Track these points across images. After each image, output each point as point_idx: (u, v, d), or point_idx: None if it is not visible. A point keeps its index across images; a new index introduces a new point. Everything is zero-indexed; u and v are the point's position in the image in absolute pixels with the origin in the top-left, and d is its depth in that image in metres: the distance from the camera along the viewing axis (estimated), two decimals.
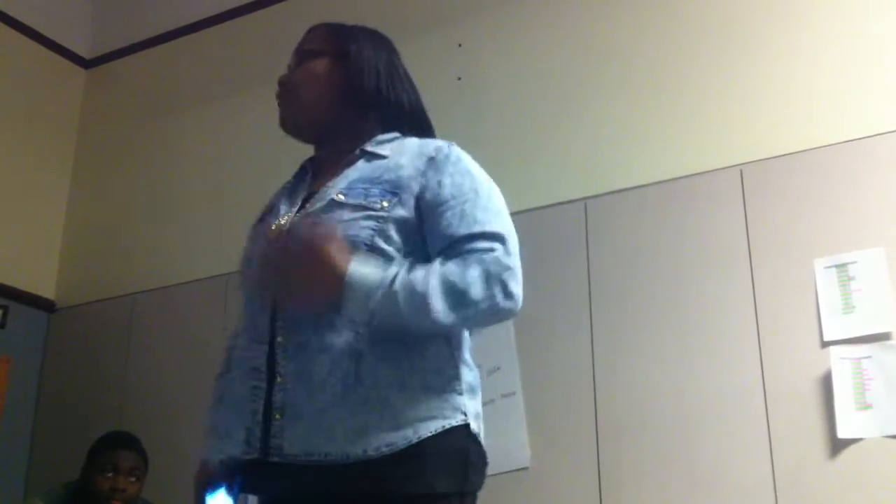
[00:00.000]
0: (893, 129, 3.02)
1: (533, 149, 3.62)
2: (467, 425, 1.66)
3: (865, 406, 2.79)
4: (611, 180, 3.41)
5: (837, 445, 2.81)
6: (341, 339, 1.62)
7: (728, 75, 3.35)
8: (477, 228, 1.68)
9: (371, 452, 1.56)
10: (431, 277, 1.60)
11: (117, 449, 3.33)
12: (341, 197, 1.73)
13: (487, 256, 1.64)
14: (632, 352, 3.18)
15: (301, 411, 1.60)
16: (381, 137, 1.85)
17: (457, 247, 1.66)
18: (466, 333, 1.77)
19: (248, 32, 4.56)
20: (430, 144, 1.81)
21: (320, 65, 1.92)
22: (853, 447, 2.79)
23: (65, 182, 4.81)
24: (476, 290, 1.60)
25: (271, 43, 4.47)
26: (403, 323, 1.59)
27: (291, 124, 1.93)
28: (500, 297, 1.62)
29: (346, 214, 1.70)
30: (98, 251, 4.60)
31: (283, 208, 1.86)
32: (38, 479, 4.15)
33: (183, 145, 4.56)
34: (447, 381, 1.67)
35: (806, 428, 2.86)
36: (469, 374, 1.72)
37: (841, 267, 2.94)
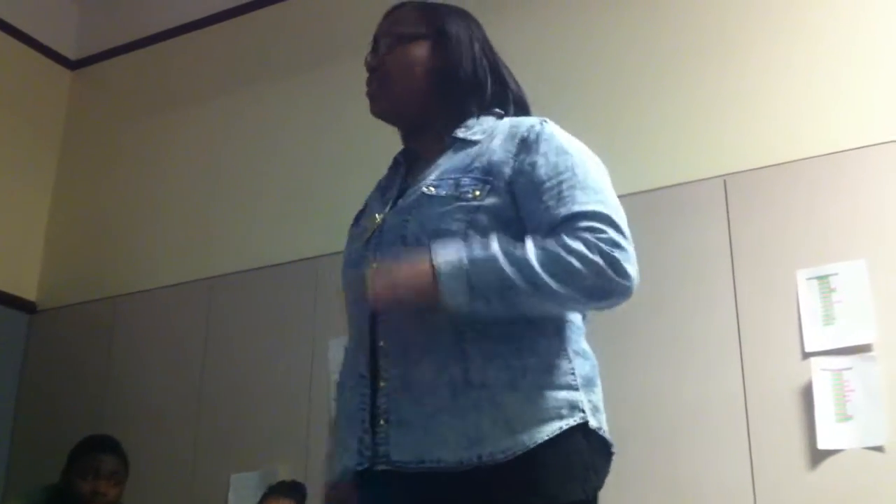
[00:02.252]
0: (877, 141, 3.04)
1: None
2: (586, 423, 1.56)
3: (846, 417, 2.81)
4: None
5: (817, 456, 2.82)
6: (446, 339, 1.55)
7: (713, 86, 3.37)
8: (577, 208, 1.56)
9: (486, 459, 1.48)
10: (529, 247, 1.52)
11: (98, 452, 3.31)
12: (431, 189, 1.64)
13: (592, 236, 1.52)
14: (614, 361, 3.16)
15: (408, 417, 1.53)
16: (472, 122, 1.74)
17: (559, 230, 1.55)
18: (579, 321, 1.67)
19: (235, 35, 4.55)
20: (523, 124, 1.69)
21: (417, 49, 1.78)
22: (833, 458, 2.80)
23: (48, 183, 4.79)
24: (579, 261, 1.50)
25: (258, 46, 4.48)
26: (509, 292, 1.49)
27: (389, 112, 1.79)
28: (609, 271, 1.51)
29: (437, 208, 1.61)
30: (81, 253, 4.59)
31: (375, 206, 1.77)
32: (17, 481, 4.13)
33: (168, 148, 4.55)
34: (561, 377, 1.57)
35: (786, 438, 2.87)
36: (585, 365, 1.63)
37: (823, 278, 2.96)
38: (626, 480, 3.10)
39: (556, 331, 1.61)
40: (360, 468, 1.56)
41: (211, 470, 3.77)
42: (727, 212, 3.16)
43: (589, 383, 1.62)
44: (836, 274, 2.95)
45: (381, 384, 1.58)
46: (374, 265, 1.61)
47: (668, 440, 3.02)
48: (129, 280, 4.36)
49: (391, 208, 1.71)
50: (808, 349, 2.91)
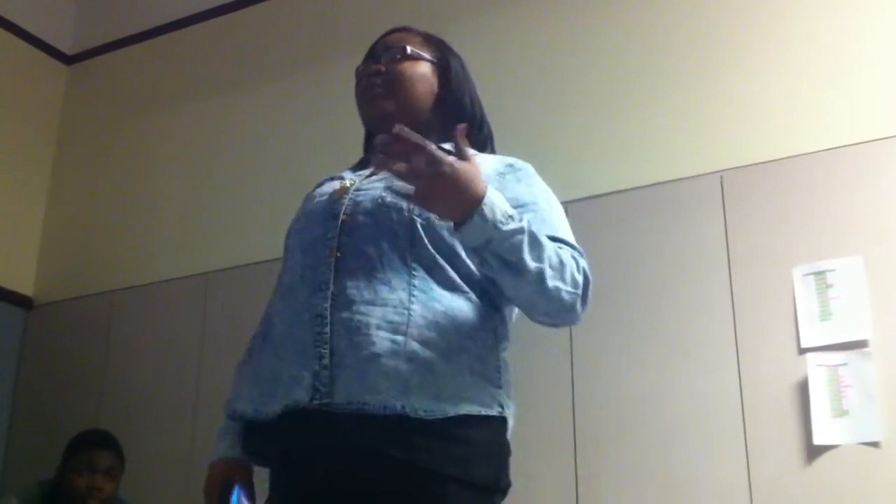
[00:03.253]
0: (874, 138, 3.04)
1: (515, 153, 3.61)
2: (505, 420, 1.64)
3: (841, 413, 2.81)
4: (590, 185, 3.41)
5: (813, 452, 2.82)
6: (395, 295, 1.61)
7: (709, 82, 3.37)
8: (560, 235, 1.69)
9: (409, 412, 1.53)
10: (546, 241, 1.60)
11: (94, 448, 3.31)
12: None
13: (578, 257, 1.65)
14: (610, 358, 3.18)
15: (347, 360, 1.58)
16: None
17: None
18: (508, 331, 1.74)
19: (232, 31, 4.55)
20: (509, 157, 1.84)
21: (425, 67, 1.89)
22: (829, 454, 2.80)
23: (45, 178, 4.78)
24: (573, 275, 1.62)
25: (254, 42, 4.47)
26: (516, 263, 1.54)
27: (394, 114, 1.81)
28: (579, 301, 1.64)
29: None
30: (77, 248, 4.58)
31: (346, 174, 1.85)
32: (13, 477, 4.13)
33: (165, 143, 4.55)
34: (489, 371, 1.64)
35: (782, 434, 2.87)
36: (507, 372, 1.70)
37: (819, 275, 2.96)
38: (623, 477, 3.11)
39: (493, 329, 1.68)
40: (315, 403, 1.58)
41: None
42: (723, 208, 3.16)
43: (509, 387, 1.69)
44: (832, 270, 2.95)
45: (334, 326, 1.61)
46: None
47: (663, 435, 3.02)
48: (125, 275, 4.35)
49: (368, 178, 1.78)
50: (804, 345, 2.91)
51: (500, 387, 1.65)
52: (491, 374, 1.64)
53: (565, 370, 3.19)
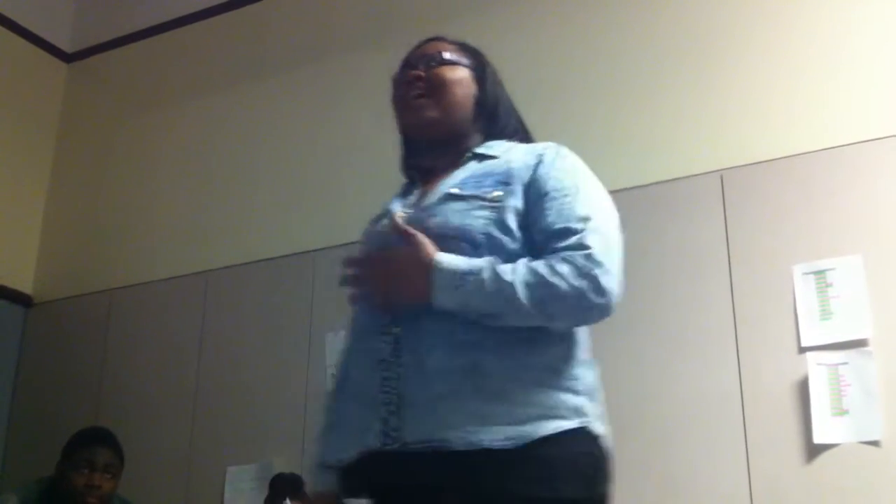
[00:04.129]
0: (874, 137, 3.04)
1: None
2: (589, 427, 1.64)
3: (841, 412, 2.81)
4: None
5: (813, 451, 2.82)
6: (457, 328, 1.62)
7: (710, 82, 3.37)
8: (573, 223, 1.67)
9: (487, 444, 1.54)
10: (518, 270, 1.61)
11: (93, 445, 3.30)
12: (455, 190, 1.75)
13: (578, 253, 1.63)
14: (610, 356, 3.16)
15: (419, 400, 1.60)
16: (490, 142, 1.88)
17: (552, 240, 1.66)
18: (584, 333, 1.75)
19: (232, 29, 4.55)
20: (541, 145, 1.83)
21: (463, 72, 1.91)
22: (829, 452, 2.80)
23: (44, 176, 4.78)
24: (563, 283, 1.59)
25: (254, 40, 4.47)
26: (494, 313, 1.60)
27: (438, 121, 1.87)
28: (590, 292, 1.61)
29: (462, 205, 1.71)
30: (77, 246, 4.58)
31: (396, 206, 1.86)
32: (13, 474, 4.13)
33: (164, 141, 4.55)
34: (565, 381, 1.65)
35: (782, 433, 2.87)
36: (588, 375, 1.70)
37: (819, 273, 2.96)
38: (622, 475, 3.09)
39: (563, 338, 1.69)
40: (386, 447, 1.61)
41: (207, 463, 3.77)
42: (724, 207, 3.16)
43: (592, 392, 1.70)
44: (832, 269, 2.95)
45: (398, 369, 1.64)
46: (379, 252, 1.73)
47: (663, 434, 3.02)
48: (125, 273, 4.35)
49: (414, 209, 1.81)
50: (804, 344, 2.92)
51: (579, 394, 1.65)
52: (569, 385, 1.65)
53: None
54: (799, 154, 3.12)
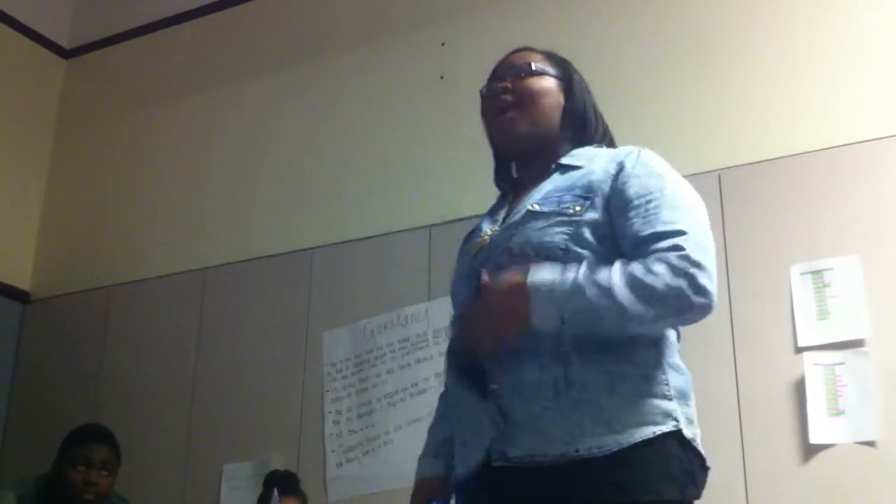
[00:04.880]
0: (872, 137, 3.04)
1: None
2: (680, 431, 1.64)
3: (838, 412, 2.81)
4: None
5: (809, 451, 2.82)
6: (548, 345, 1.63)
7: (708, 81, 3.37)
8: (661, 227, 1.66)
9: (583, 453, 1.57)
10: (614, 273, 1.61)
11: (89, 442, 3.30)
12: (536, 207, 1.76)
13: (672, 254, 1.61)
14: None
15: (519, 416, 1.64)
16: (575, 151, 1.88)
17: (642, 247, 1.65)
18: (673, 336, 1.76)
19: (230, 26, 4.54)
20: (623, 150, 1.84)
21: (550, 82, 1.92)
22: (825, 453, 2.80)
23: (42, 173, 4.78)
24: (661, 283, 1.59)
25: (253, 36, 4.47)
26: (596, 318, 1.59)
27: (529, 135, 1.88)
28: (688, 291, 1.59)
29: (541, 223, 1.72)
30: (75, 243, 4.58)
31: (485, 226, 1.89)
32: (10, 471, 4.12)
33: (162, 138, 4.54)
34: (656, 387, 1.66)
35: (778, 433, 2.87)
36: (679, 379, 1.71)
37: (817, 273, 2.96)
38: None
39: (653, 343, 1.70)
40: (496, 463, 1.64)
41: (204, 460, 3.77)
42: (721, 206, 3.15)
43: (683, 396, 1.70)
44: (830, 269, 2.95)
45: (493, 386, 1.67)
46: (472, 306, 1.73)
47: None
48: (123, 270, 4.35)
49: (500, 226, 1.83)
50: (801, 344, 2.92)
51: (670, 398, 1.66)
52: (660, 390, 1.66)
53: None
54: (797, 154, 3.12)
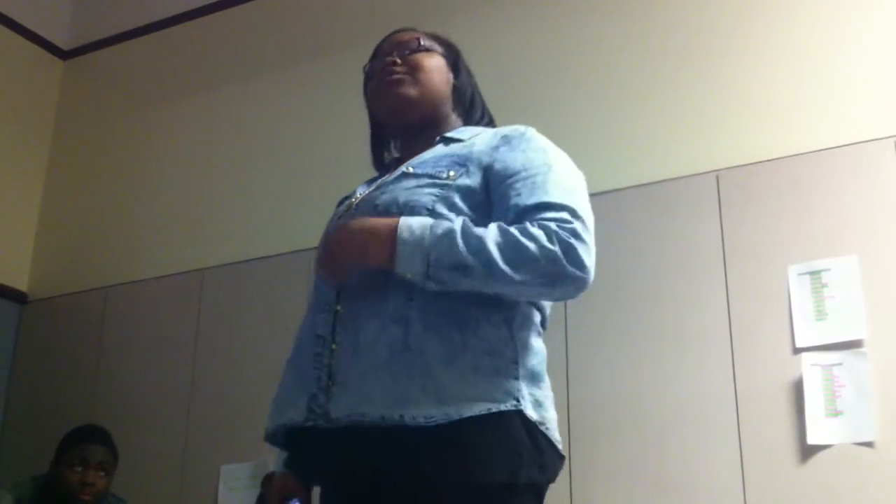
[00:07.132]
0: (870, 138, 3.04)
1: None
2: (522, 412, 1.56)
3: (836, 413, 2.81)
4: (587, 183, 3.40)
5: (807, 451, 2.82)
6: (391, 304, 1.58)
7: (707, 81, 3.37)
8: (546, 198, 1.62)
9: (408, 420, 1.50)
10: (490, 229, 1.56)
11: (87, 443, 3.30)
12: (410, 169, 1.74)
13: (554, 224, 1.57)
14: (605, 355, 3.18)
15: (347, 376, 1.58)
16: (462, 128, 1.88)
17: (526, 216, 1.60)
18: (536, 317, 1.70)
19: (228, 27, 4.54)
20: (508, 127, 1.80)
21: (438, 59, 1.91)
22: (823, 453, 2.80)
23: (40, 173, 4.77)
24: (535, 245, 1.54)
25: (251, 37, 4.47)
26: (462, 268, 1.53)
27: (417, 99, 1.85)
28: (563, 259, 1.54)
29: (412, 182, 1.70)
30: (72, 243, 4.58)
31: (359, 190, 1.88)
32: (7, 471, 4.11)
33: (160, 139, 4.54)
34: (501, 363, 1.58)
35: (776, 434, 2.87)
36: (531, 359, 1.64)
37: (815, 274, 2.96)
38: (616, 474, 3.11)
39: (504, 320, 1.63)
40: (308, 424, 1.60)
41: (201, 461, 3.76)
42: (719, 207, 3.16)
43: (534, 377, 1.64)
44: (828, 270, 2.95)
45: (334, 346, 1.63)
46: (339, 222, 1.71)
47: (657, 434, 3.03)
48: (120, 270, 4.35)
49: (374, 188, 1.81)
50: (798, 344, 2.92)
51: (516, 378, 1.59)
52: (505, 367, 1.59)
53: (560, 367, 3.18)
54: (795, 155, 3.12)
